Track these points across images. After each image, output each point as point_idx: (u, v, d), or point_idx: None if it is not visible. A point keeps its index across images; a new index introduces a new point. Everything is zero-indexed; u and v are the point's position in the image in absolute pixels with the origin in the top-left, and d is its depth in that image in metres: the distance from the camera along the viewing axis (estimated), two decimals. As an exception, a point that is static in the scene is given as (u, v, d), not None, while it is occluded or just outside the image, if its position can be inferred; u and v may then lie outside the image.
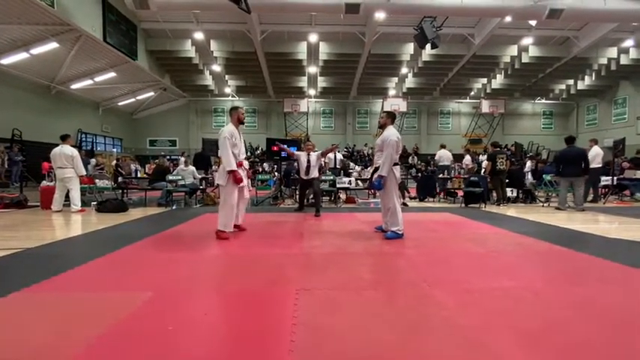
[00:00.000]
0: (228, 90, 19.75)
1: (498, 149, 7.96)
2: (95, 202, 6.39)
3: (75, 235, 3.99)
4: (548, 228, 4.57)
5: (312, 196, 7.43)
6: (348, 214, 5.91)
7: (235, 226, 3.96)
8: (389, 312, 1.87)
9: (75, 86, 14.34)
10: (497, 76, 18.26)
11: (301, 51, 14.77)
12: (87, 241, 3.71)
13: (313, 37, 14.09)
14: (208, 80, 18.15)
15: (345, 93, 20.04)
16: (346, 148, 19.54)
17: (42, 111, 13.51)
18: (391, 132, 3.83)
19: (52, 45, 10.96)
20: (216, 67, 16.79)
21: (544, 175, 8.36)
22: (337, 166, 8.68)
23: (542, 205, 7.48)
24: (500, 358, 1.39)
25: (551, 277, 2.55)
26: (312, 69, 16.69)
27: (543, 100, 21.31)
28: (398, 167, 3.90)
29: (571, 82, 18.77)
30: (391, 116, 4.04)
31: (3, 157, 10.84)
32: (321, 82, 18.25)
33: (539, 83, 18.58)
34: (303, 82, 18.12)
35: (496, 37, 13.95)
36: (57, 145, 6.14)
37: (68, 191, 6.07)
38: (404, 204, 7.50)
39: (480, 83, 19.19)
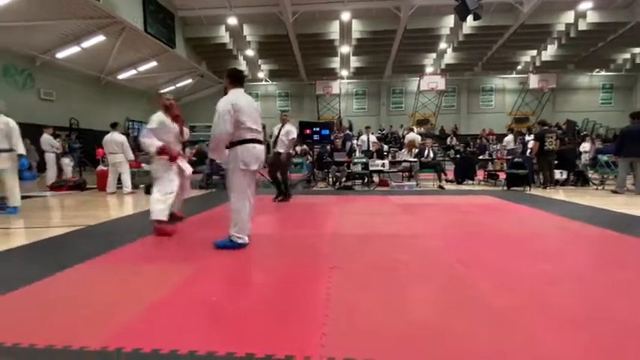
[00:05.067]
0: (261, 74, 19.95)
1: (547, 127, 7.38)
2: (144, 185, 6.89)
3: (128, 215, 4.38)
4: (601, 212, 4.23)
5: (344, 179, 7.44)
6: (381, 197, 5.86)
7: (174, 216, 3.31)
8: (422, 291, 1.88)
9: (121, 76, 15.29)
10: (549, 47, 16.61)
11: (333, 30, 14.43)
12: (138, 220, 4.05)
13: (346, 16, 13.67)
14: (242, 65, 18.40)
15: (378, 72, 19.40)
16: (380, 130, 19.07)
17: (94, 101, 14.61)
18: (226, 98, 2.59)
19: (100, 38, 11.70)
20: (250, 52, 16.96)
21: (599, 156, 7.64)
22: (370, 149, 8.56)
23: (596, 189, 6.89)
24: (536, 339, 1.36)
25: (598, 263, 2.39)
26: (345, 49, 16.29)
27: (602, 72, 19.16)
28: (251, 145, 2.60)
29: (637, 50, 16.63)
30: (231, 77, 2.68)
31: (64, 144, 11.96)
32: (354, 62, 17.79)
33: (597, 53, 16.65)
34: (335, 62, 17.79)
35: (548, 4, 12.62)
36: (108, 132, 6.66)
37: (120, 174, 6.63)
38: (440, 187, 7.28)
39: (528, 56, 17.61)
